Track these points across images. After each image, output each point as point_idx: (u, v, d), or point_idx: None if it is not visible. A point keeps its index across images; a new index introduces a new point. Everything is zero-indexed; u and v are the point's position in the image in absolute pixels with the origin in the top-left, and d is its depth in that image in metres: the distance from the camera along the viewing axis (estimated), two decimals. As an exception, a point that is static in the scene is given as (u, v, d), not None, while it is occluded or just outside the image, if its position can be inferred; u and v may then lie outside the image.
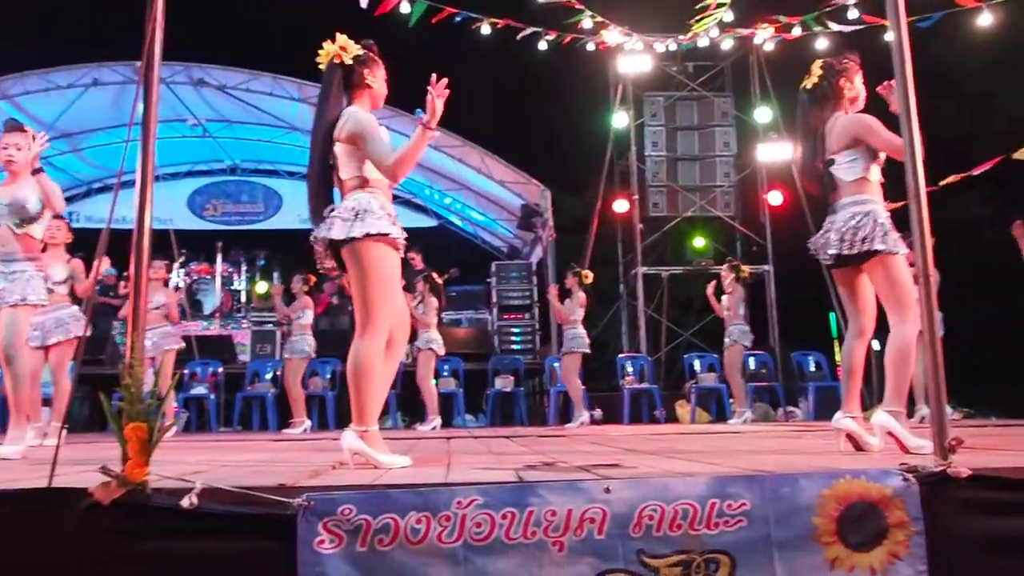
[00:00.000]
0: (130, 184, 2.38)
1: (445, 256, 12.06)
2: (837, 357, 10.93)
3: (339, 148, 3.03)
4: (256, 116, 12.67)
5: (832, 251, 3.42)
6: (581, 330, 8.49)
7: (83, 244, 6.22)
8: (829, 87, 3.62)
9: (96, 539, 1.93)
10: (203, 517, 1.94)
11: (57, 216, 5.29)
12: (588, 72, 12.12)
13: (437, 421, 8.39)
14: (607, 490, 2.00)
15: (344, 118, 3.04)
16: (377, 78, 3.19)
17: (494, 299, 11.80)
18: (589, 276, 8.59)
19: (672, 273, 12.05)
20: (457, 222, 14.79)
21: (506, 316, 11.65)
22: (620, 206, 11.98)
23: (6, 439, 3.97)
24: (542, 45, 10.60)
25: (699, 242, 12.05)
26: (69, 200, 13.57)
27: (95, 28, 13.37)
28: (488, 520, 1.96)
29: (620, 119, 11.97)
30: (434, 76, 2.93)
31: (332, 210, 3.00)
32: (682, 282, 12.63)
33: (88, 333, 7.25)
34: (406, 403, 9.94)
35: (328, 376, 9.66)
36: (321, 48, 3.14)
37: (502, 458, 3.36)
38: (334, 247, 2.98)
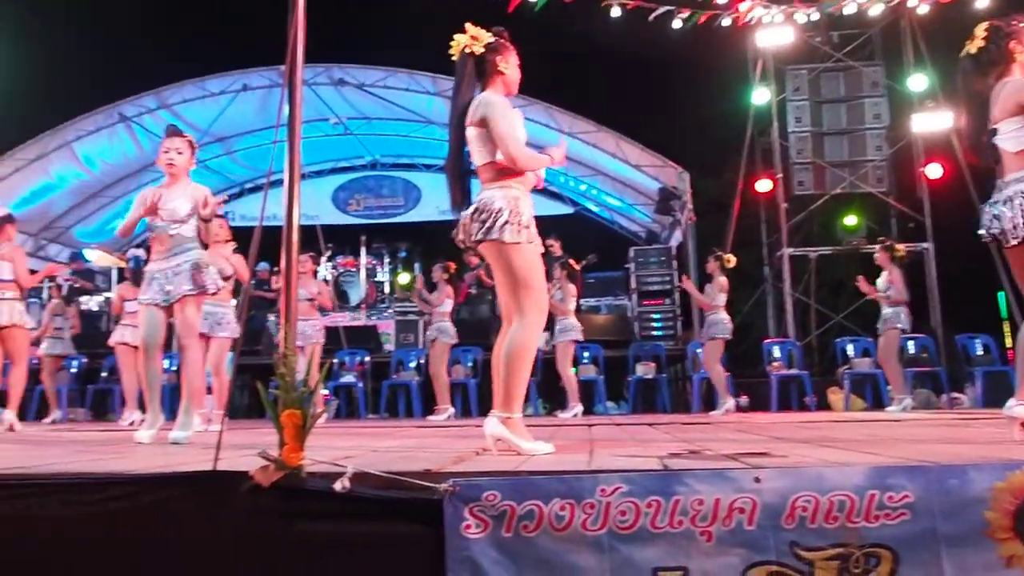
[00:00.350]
0: (279, 183, 2.48)
1: (582, 243, 12.02)
2: (1007, 340, 10.21)
3: (471, 133, 3.06)
4: (393, 112, 13.02)
5: (995, 230, 3.15)
6: (724, 315, 8.26)
7: (239, 241, 6.56)
8: (996, 51, 3.33)
9: (257, 519, 2.03)
10: (355, 500, 2.00)
11: (217, 215, 5.60)
12: (724, 48, 11.76)
13: (578, 408, 8.39)
14: (757, 479, 1.93)
15: (476, 102, 3.07)
16: (510, 64, 3.19)
17: (633, 285, 11.67)
18: (732, 260, 8.34)
19: (821, 254, 11.55)
20: (594, 208, 14.71)
21: (646, 302, 11.50)
22: (763, 185, 11.60)
23: (176, 425, 4.23)
24: (676, 24, 10.39)
25: (850, 220, 11.48)
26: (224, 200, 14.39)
27: (244, 36, 14.08)
28: (633, 508, 1.93)
29: (761, 95, 11.57)
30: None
31: (470, 206, 3.06)
32: (832, 263, 12.10)
33: (245, 325, 7.66)
34: (547, 390, 9.98)
35: (470, 364, 9.83)
36: (453, 40, 3.18)
37: (645, 446, 3.31)
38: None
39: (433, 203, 14.36)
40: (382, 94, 12.50)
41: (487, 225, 2.95)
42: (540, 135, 11.46)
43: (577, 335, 8.51)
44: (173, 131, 4.57)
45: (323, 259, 12.65)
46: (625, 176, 12.82)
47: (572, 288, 8.60)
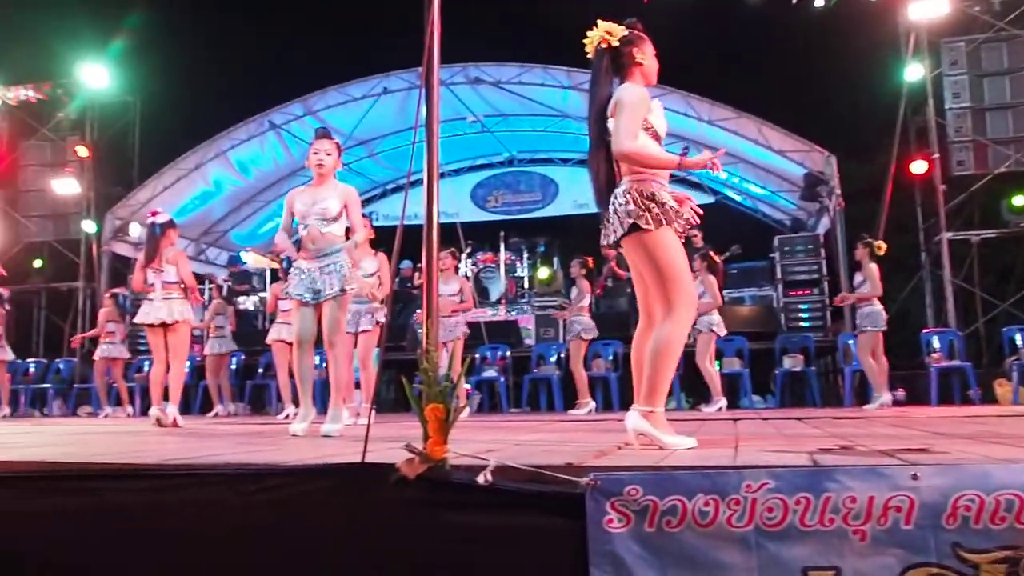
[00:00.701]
0: (418, 183, 2.55)
1: (724, 233, 11.73)
2: None
3: (612, 124, 3.04)
4: (529, 107, 13.10)
5: None
6: (877, 306, 7.84)
7: (382, 240, 6.78)
8: None
9: (403, 510, 2.09)
10: (498, 493, 2.04)
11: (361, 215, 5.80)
12: (872, 24, 11.17)
13: (722, 402, 8.20)
14: (915, 476, 1.83)
15: (616, 95, 3.04)
16: (647, 55, 3.15)
17: (778, 275, 11.29)
18: (883, 247, 7.91)
19: (984, 237, 10.80)
20: (735, 197, 14.32)
21: (792, 292, 11.09)
22: (918, 167, 10.95)
23: (327, 418, 4.43)
24: (818, 2, 9.99)
25: (1018, 201, 10.67)
26: (368, 201, 14.96)
27: (383, 40, 14.52)
28: (781, 505, 1.87)
29: (914, 71, 10.92)
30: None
31: (614, 198, 3.02)
32: (997, 247, 11.28)
33: (390, 322, 7.91)
34: (690, 384, 9.81)
35: (610, 358, 9.79)
36: (586, 35, 3.16)
37: (794, 441, 3.20)
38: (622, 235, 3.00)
39: (570, 197, 14.39)
40: (517, 90, 12.61)
41: (624, 219, 2.92)
42: (679, 124, 11.30)
43: (718, 328, 8.31)
44: (322, 133, 4.77)
45: (463, 256, 12.93)
46: (768, 163, 12.41)
47: (713, 280, 8.40)
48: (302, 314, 4.54)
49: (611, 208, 3.01)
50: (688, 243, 10.61)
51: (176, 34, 14.99)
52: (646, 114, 3.01)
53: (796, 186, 12.05)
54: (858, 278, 8.07)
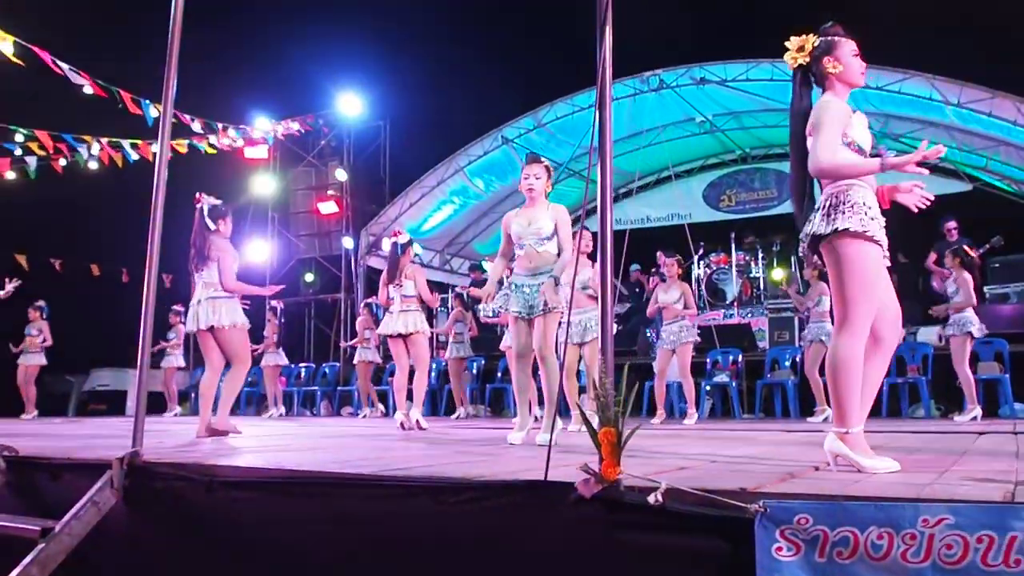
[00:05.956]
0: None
1: (984, 223, 10.71)
2: None
3: (811, 143, 2.96)
4: (760, 103, 12.63)
5: None
6: None
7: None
8: None
9: (580, 528, 2.22)
10: (668, 515, 2.11)
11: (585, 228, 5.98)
12: None
13: (977, 411, 7.53)
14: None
15: (813, 110, 2.96)
16: (841, 60, 3.01)
17: (1050, 267, 10.14)
18: None
19: None
20: (996, 182, 12.97)
21: (1072, 287, 9.91)
22: None
23: (542, 427, 4.64)
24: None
25: None
26: (590, 212, 15.12)
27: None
28: (960, 542, 1.80)
29: None
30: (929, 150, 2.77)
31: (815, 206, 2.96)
32: None
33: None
34: (941, 389, 9.07)
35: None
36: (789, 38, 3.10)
37: None
38: (814, 243, 2.93)
39: (807, 193, 13.74)
40: (745, 87, 12.23)
41: (820, 219, 2.84)
42: (923, 111, 10.52)
43: (974, 329, 7.63)
44: (532, 158, 5.01)
45: (695, 257, 12.83)
46: (1033, 143, 11.15)
47: (968, 278, 7.72)
48: (518, 328, 4.79)
49: (813, 211, 2.94)
50: (942, 238, 9.81)
51: (417, 59, 16.10)
52: (845, 128, 2.89)
53: (1071, 166, 10.74)
54: None
